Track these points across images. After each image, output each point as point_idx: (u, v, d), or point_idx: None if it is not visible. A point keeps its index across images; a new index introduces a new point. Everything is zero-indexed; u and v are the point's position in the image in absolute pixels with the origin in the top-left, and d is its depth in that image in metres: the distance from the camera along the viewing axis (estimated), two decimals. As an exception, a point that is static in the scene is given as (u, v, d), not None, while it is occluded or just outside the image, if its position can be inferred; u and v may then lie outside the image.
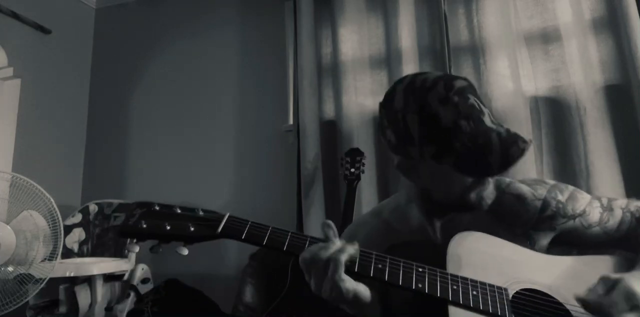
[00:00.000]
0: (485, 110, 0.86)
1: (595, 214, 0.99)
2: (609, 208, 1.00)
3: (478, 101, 0.87)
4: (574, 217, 0.98)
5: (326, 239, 0.83)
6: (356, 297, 0.81)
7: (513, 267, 0.90)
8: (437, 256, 0.88)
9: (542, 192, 0.98)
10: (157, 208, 0.84)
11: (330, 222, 0.84)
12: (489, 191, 0.95)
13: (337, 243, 0.81)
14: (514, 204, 0.97)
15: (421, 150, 0.87)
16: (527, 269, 0.91)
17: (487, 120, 0.85)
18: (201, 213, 0.85)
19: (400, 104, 0.88)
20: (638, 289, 0.82)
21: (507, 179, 1.02)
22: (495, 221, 0.96)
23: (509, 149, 0.82)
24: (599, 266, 0.96)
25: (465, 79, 0.90)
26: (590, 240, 0.99)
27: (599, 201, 1.01)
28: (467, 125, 0.83)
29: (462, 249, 0.88)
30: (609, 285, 0.83)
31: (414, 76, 0.91)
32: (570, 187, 1.02)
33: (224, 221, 0.84)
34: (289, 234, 0.84)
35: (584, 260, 0.97)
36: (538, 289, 0.88)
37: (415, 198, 0.99)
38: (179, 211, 0.85)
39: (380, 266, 0.82)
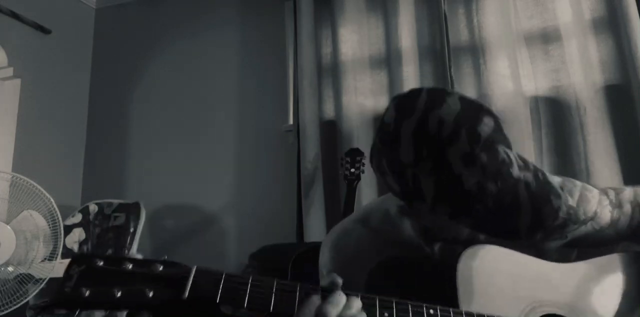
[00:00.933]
0: (513, 156, 0.71)
1: (606, 214, 0.93)
2: (617, 204, 0.95)
3: (506, 146, 0.71)
4: (585, 222, 0.91)
5: (327, 289, 0.68)
6: None
7: (530, 287, 0.85)
8: (435, 274, 0.82)
9: None
10: (101, 264, 0.63)
11: (339, 280, 0.68)
12: None
13: (343, 298, 0.68)
14: None
15: (433, 209, 0.73)
16: (544, 286, 0.87)
17: (515, 170, 0.70)
18: (160, 268, 0.65)
19: (410, 158, 0.71)
20: None
21: None
22: None
23: (541, 209, 0.71)
24: (612, 269, 0.95)
25: (490, 114, 0.73)
26: (601, 241, 0.96)
27: (607, 196, 0.95)
28: (494, 187, 0.68)
29: (474, 273, 0.80)
30: None
31: (425, 112, 0.71)
32: (578, 184, 0.94)
33: (191, 277, 0.65)
34: (274, 284, 0.68)
35: (595, 265, 0.94)
36: (557, 313, 0.85)
37: (413, 231, 0.88)
38: (130, 267, 0.64)
39: (386, 314, 0.70)
